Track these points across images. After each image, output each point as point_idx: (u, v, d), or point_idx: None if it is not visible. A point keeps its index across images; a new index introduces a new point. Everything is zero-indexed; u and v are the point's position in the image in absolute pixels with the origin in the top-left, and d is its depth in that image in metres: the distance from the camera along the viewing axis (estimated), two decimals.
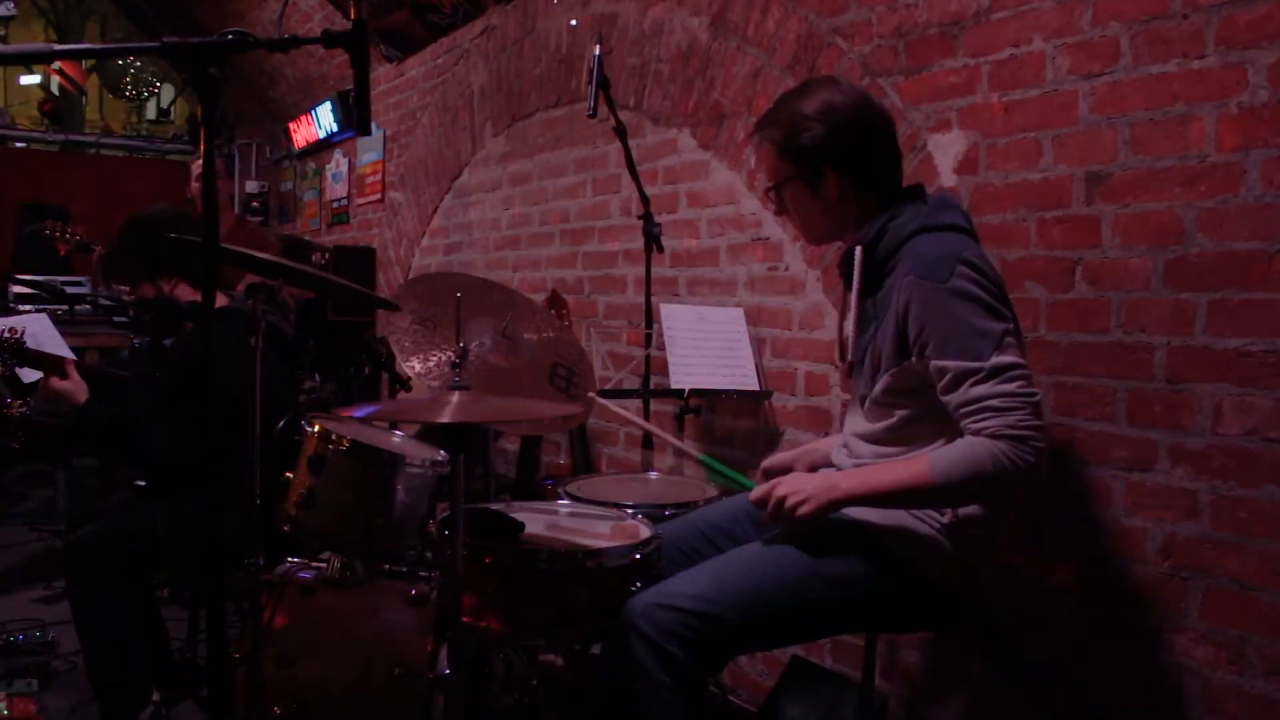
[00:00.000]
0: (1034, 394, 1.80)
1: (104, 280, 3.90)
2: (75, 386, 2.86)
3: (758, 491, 2.00)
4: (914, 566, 1.97)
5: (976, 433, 1.80)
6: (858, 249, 2.02)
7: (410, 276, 6.07)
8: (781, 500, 1.93)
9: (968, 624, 2.51)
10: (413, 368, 2.70)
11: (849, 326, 2.06)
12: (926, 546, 1.96)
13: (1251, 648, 2.03)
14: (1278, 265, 1.99)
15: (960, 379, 1.82)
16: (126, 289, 3.13)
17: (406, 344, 2.70)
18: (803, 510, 1.91)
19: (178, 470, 2.86)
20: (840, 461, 2.20)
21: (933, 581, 1.98)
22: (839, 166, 2.03)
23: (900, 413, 2.00)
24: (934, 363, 1.86)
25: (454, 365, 2.08)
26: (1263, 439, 2.01)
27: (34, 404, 3.28)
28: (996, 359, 1.80)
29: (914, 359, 1.91)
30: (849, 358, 2.09)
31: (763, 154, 2.13)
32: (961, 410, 1.83)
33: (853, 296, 2.04)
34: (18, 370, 3.26)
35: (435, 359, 2.70)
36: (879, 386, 1.99)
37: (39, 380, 3.91)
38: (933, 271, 1.86)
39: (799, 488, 1.93)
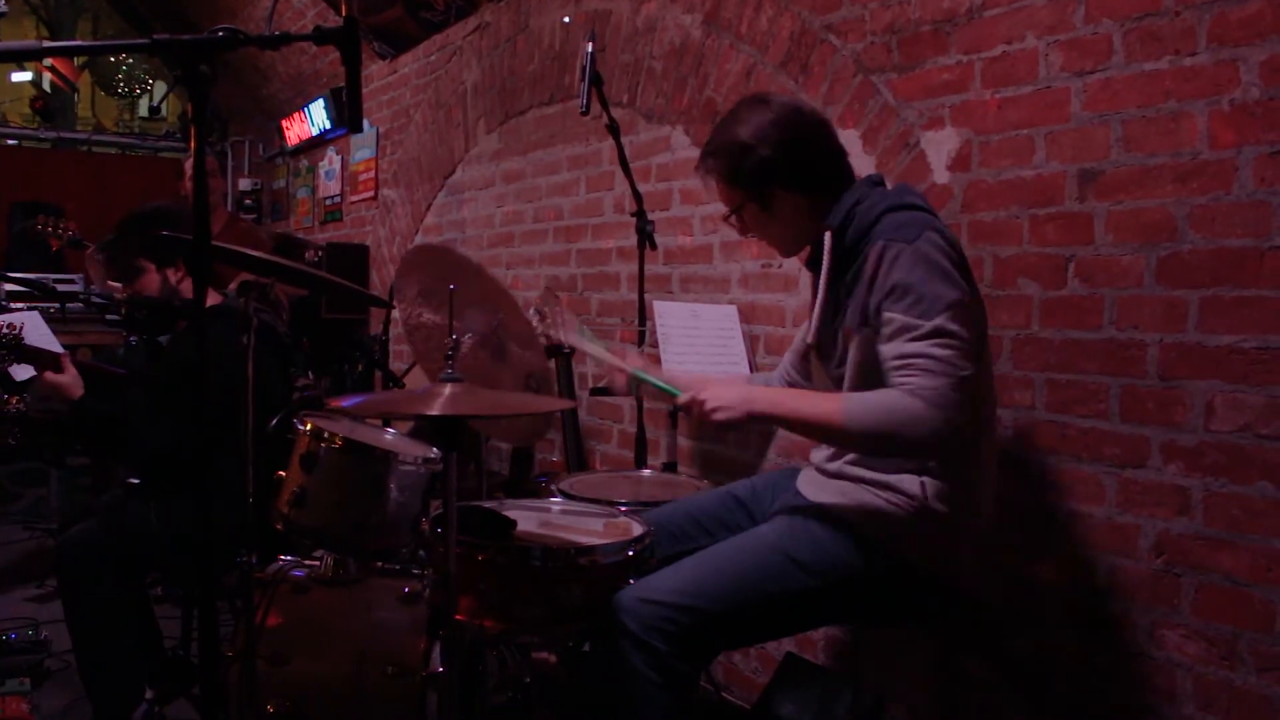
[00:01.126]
0: (964, 368, 1.80)
1: (107, 270, 3.87)
2: (71, 381, 2.86)
3: (684, 398, 2.05)
4: (890, 549, 1.99)
5: (897, 387, 1.82)
6: (826, 234, 2.05)
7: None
8: (702, 404, 2.00)
9: (959, 619, 2.51)
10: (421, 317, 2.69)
11: (816, 306, 2.09)
12: (899, 527, 1.98)
13: (1244, 644, 2.04)
14: (1270, 262, 1.99)
15: (899, 331, 1.85)
16: (126, 283, 3.11)
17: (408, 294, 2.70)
18: (718, 416, 1.99)
19: (172, 468, 2.86)
20: (814, 458, 2.21)
21: (910, 564, 2.00)
22: (786, 183, 2.08)
23: (873, 383, 1.99)
24: (883, 312, 1.88)
25: (447, 357, 2.07)
26: (1255, 436, 2.01)
27: (30, 400, 3.27)
28: (939, 321, 1.82)
29: (873, 316, 1.92)
30: (809, 339, 2.12)
31: (711, 185, 2.18)
32: (892, 362, 1.85)
33: (822, 277, 2.06)
34: (13, 367, 3.26)
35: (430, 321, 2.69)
36: (850, 359, 2.00)
37: (33, 378, 3.91)
38: (901, 233, 1.91)
39: (719, 395, 2.00)
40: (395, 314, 2.75)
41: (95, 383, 3.00)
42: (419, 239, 5.92)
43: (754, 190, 2.10)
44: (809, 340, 2.13)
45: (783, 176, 2.07)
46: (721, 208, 2.22)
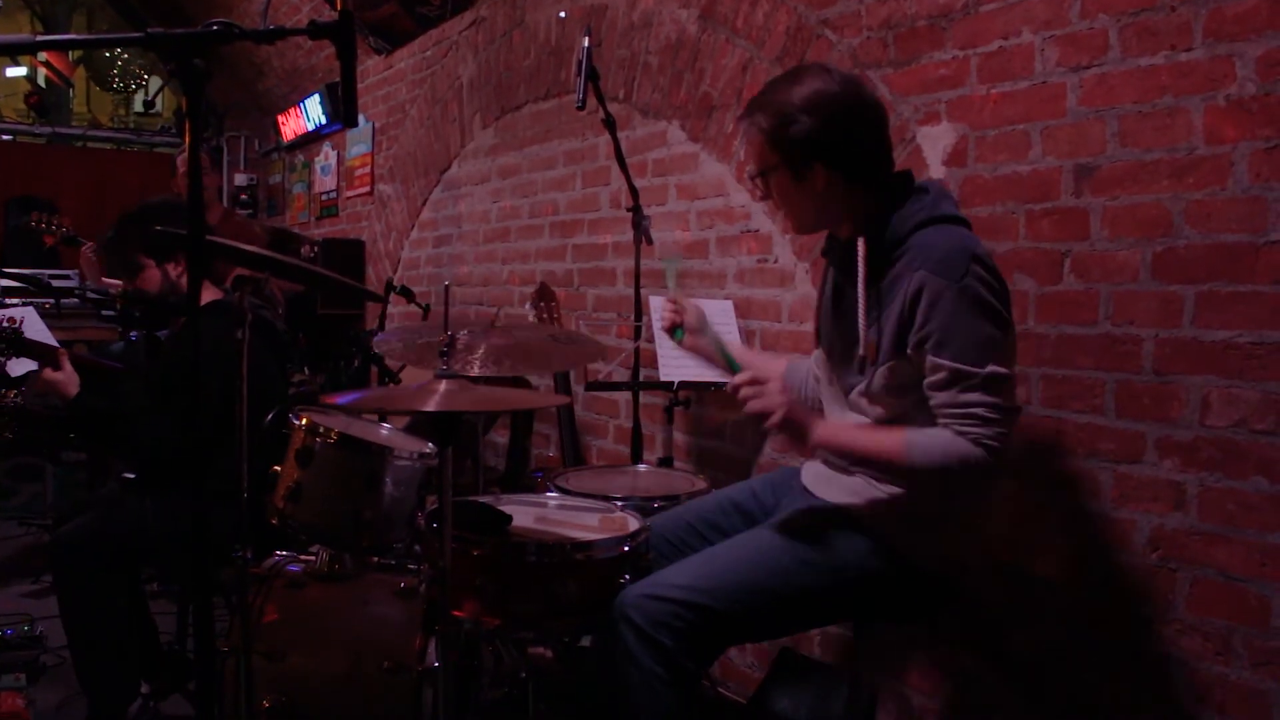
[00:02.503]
0: (1016, 408, 1.86)
1: (107, 267, 3.85)
2: (68, 378, 2.85)
3: (748, 390, 1.99)
4: (903, 551, 1.99)
5: (959, 434, 1.84)
6: (860, 240, 1.99)
7: (398, 274, 6.06)
8: (761, 410, 1.96)
9: (957, 614, 2.51)
10: None
11: (860, 318, 2.01)
12: (914, 531, 1.97)
13: (1239, 638, 2.04)
14: (1265, 257, 1.99)
15: (954, 380, 1.84)
16: (127, 279, 3.11)
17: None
18: (771, 423, 1.96)
19: (171, 463, 2.85)
20: (811, 477, 2.21)
21: (922, 566, 1.99)
22: (828, 160, 1.99)
23: (890, 409, 2.00)
24: (931, 358, 1.86)
25: (441, 354, 2.07)
26: (1250, 431, 2.01)
27: (27, 394, 3.27)
28: (992, 369, 1.83)
29: (911, 351, 1.90)
30: (861, 351, 2.05)
31: (750, 140, 2.09)
32: (948, 410, 1.86)
33: (860, 287, 2.00)
34: (10, 362, 3.25)
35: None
36: (877, 381, 1.98)
37: (28, 373, 3.90)
38: (945, 269, 1.86)
39: (785, 409, 1.96)
40: (390, 310, 2.76)
41: (92, 378, 3.00)
42: (415, 234, 5.92)
43: (792, 157, 2.00)
44: (862, 352, 2.07)
45: (825, 153, 1.98)
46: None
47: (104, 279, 5.36)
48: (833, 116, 1.97)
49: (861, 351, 2.03)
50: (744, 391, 1.98)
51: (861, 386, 2.02)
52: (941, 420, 1.87)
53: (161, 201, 3.16)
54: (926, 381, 1.88)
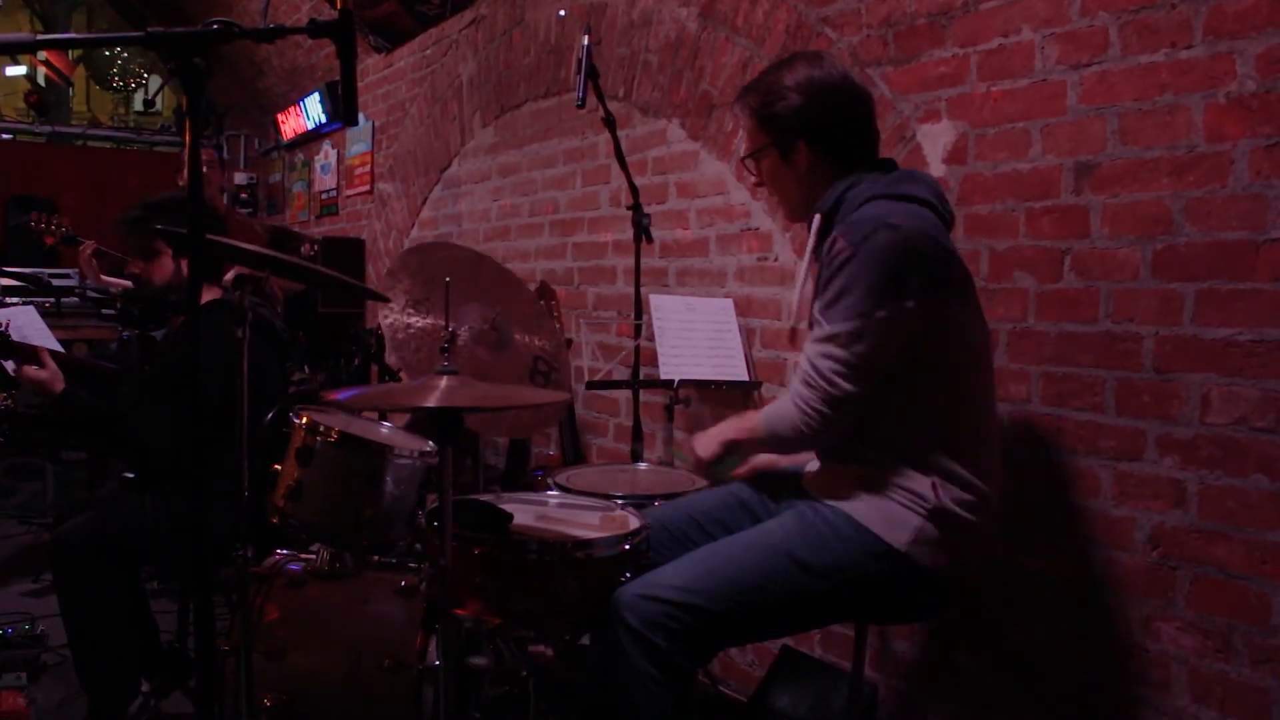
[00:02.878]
0: (844, 390, 1.91)
1: (126, 239, 3.77)
2: (51, 375, 2.85)
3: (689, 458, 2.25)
4: (902, 554, 1.96)
5: (793, 387, 2.00)
6: (816, 217, 2.07)
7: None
8: (692, 450, 2.22)
9: (956, 613, 2.52)
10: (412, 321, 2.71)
11: (802, 292, 2.15)
12: (915, 533, 1.96)
13: (1238, 636, 2.04)
14: (1265, 255, 1.99)
15: (813, 328, 1.96)
16: (141, 261, 3.10)
17: (394, 306, 2.72)
18: (701, 452, 2.19)
19: (170, 462, 2.85)
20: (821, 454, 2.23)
21: (922, 569, 1.98)
22: (811, 139, 2.07)
23: None
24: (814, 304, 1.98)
25: (442, 350, 2.07)
26: (1250, 429, 2.01)
27: (19, 396, 3.27)
28: (839, 327, 1.89)
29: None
30: (795, 323, 2.17)
31: (743, 122, 2.19)
32: (801, 360, 1.98)
33: (806, 260, 2.10)
34: (3, 363, 3.26)
35: (417, 326, 2.71)
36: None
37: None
38: (852, 231, 1.91)
39: (699, 438, 2.21)
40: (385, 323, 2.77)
41: (87, 378, 3.00)
42: (415, 232, 5.91)
43: (778, 136, 2.10)
44: (796, 323, 2.18)
45: (810, 130, 2.07)
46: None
47: (104, 277, 5.36)
48: (818, 97, 2.07)
49: (794, 321, 2.11)
50: (694, 460, 2.22)
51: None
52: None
53: (181, 194, 3.18)
54: None
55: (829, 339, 1.89)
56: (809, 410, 1.94)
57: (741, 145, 3.29)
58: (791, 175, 2.12)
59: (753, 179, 2.23)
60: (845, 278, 1.88)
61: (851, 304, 1.87)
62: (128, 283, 5.33)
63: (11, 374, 3.00)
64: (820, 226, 2.06)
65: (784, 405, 2.00)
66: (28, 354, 2.90)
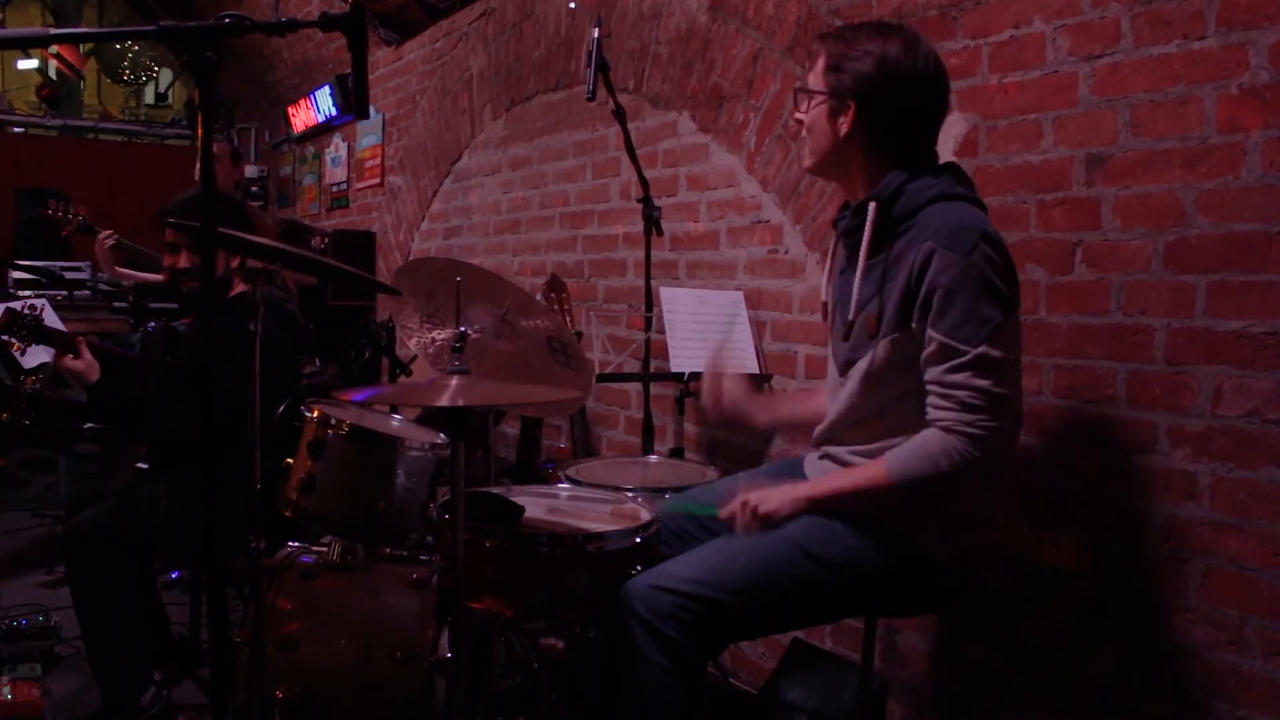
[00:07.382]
0: (1004, 394, 1.80)
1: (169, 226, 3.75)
2: (88, 365, 2.86)
3: (727, 510, 2.02)
4: (913, 547, 1.97)
5: (934, 420, 1.83)
6: (871, 205, 1.97)
7: (406, 262, 6.06)
8: (754, 508, 1.97)
9: (966, 605, 2.52)
10: (430, 338, 2.73)
11: (854, 283, 2.00)
12: (924, 526, 1.96)
13: (1251, 629, 2.04)
14: (1278, 247, 1.98)
15: (943, 355, 1.83)
16: (184, 247, 3.08)
17: (412, 325, 2.73)
18: (766, 509, 1.97)
19: (191, 451, 2.86)
20: (812, 470, 2.20)
21: (932, 561, 1.98)
22: (863, 110, 1.98)
23: (891, 387, 1.98)
24: (929, 330, 1.85)
25: (454, 349, 2.08)
26: (1262, 421, 2.01)
27: (44, 382, 3.28)
28: (984, 349, 1.80)
29: (915, 324, 1.89)
30: (850, 316, 2.04)
31: (815, 58, 2.08)
32: (932, 388, 1.85)
33: (863, 250, 1.98)
34: (28, 350, 3.26)
35: (440, 339, 2.72)
36: (879, 354, 1.96)
37: (41, 364, 3.92)
38: (953, 242, 1.84)
39: (767, 495, 1.98)
40: (411, 345, 2.80)
41: (109, 366, 3.01)
42: (425, 225, 5.92)
43: (836, 89, 2.00)
44: (851, 317, 2.04)
45: (865, 101, 1.97)
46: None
47: (118, 269, 5.38)
48: (889, 72, 1.95)
49: (851, 316, 2.02)
50: (739, 520, 2.00)
51: (865, 362, 1.99)
52: (928, 400, 1.86)
53: (228, 195, 3.29)
54: (923, 356, 1.87)
55: (979, 361, 1.80)
56: (982, 427, 1.79)
57: (753, 139, 3.29)
58: (831, 133, 2.02)
59: (795, 114, 2.12)
60: (960, 295, 1.81)
61: (983, 318, 1.81)
62: (143, 275, 5.36)
63: (51, 362, 3.00)
64: (877, 216, 1.97)
65: (932, 445, 1.83)
66: (64, 341, 2.89)
